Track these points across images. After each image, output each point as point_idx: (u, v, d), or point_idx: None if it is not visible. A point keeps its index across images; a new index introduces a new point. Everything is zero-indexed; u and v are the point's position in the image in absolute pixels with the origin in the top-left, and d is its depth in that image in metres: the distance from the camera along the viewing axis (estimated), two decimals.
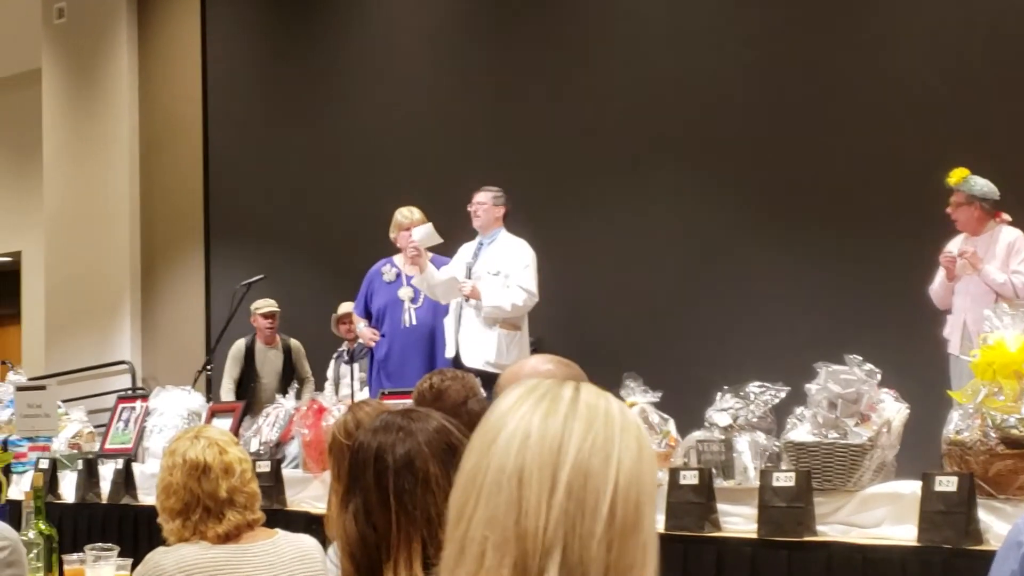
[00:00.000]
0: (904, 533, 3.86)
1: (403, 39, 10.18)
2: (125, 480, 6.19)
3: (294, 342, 9.33)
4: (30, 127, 13.05)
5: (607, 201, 8.80)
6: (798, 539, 3.96)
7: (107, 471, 6.41)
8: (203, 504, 2.90)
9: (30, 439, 6.80)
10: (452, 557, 1.17)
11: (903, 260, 7.26)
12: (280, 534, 3.02)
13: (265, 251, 10.61)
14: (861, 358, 4.12)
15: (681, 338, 8.28)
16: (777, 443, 4.31)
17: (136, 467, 6.33)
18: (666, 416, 4.73)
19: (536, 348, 7.14)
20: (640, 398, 4.65)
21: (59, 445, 6.89)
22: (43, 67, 12.51)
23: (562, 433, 1.16)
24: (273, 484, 5.43)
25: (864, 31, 7.90)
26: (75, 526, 6.14)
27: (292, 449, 5.83)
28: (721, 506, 4.26)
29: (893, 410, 4.09)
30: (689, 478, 4.21)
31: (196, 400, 6.74)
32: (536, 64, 9.32)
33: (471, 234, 6.96)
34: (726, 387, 4.55)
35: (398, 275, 7.24)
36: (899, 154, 7.63)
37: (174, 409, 6.58)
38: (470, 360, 6.50)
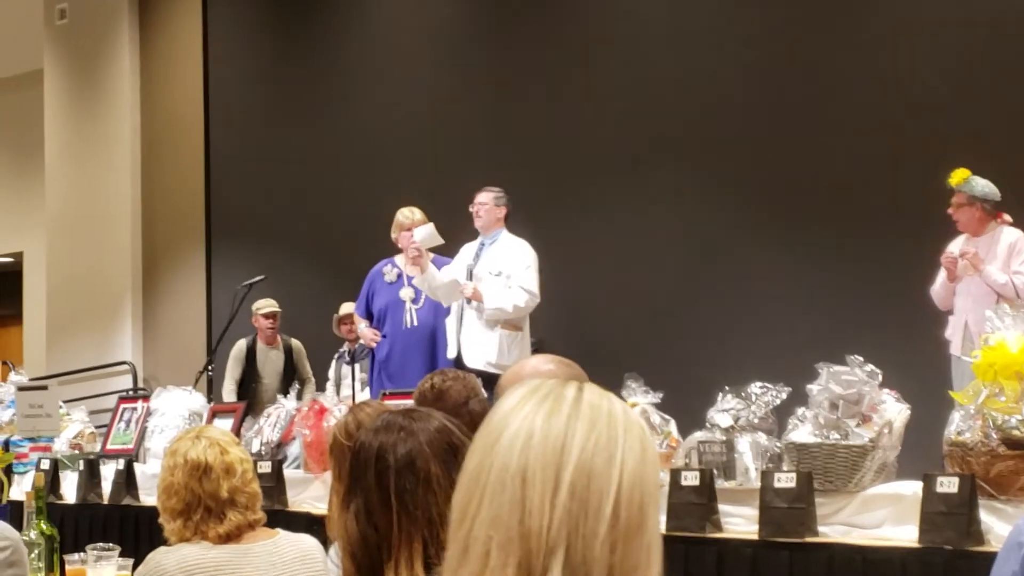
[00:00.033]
0: (905, 534, 3.86)
1: (403, 39, 10.18)
2: (126, 480, 6.18)
3: (295, 342, 9.33)
4: (31, 128, 13.06)
5: (607, 201, 8.80)
6: (799, 540, 3.96)
7: (108, 471, 6.41)
8: (204, 504, 2.91)
9: (31, 439, 6.80)
10: (456, 557, 1.17)
11: (903, 260, 7.26)
12: (281, 534, 3.02)
13: (266, 251, 10.62)
14: (862, 359, 4.12)
15: (681, 338, 8.28)
16: (778, 444, 4.31)
17: (137, 467, 6.32)
18: (667, 417, 4.73)
19: (537, 349, 7.13)
20: (641, 399, 4.65)
21: (60, 445, 6.89)
22: (45, 68, 12.52)
23: (565, 433, 1.16)
24: (274, 485, 5.43)
25: (864, 31, 7.90)
26: (76, 526, 6.14)
27: (293, 450, 5.83)
28: (722, 507, 4.25)
29: (894, 411, 4.09)
30: (690, 479, 4.21)
31: (197, 400, 6.74)
32: (536, 64, 9.33)
33: (471, 234, 6.96)
34: (727, 388, 4.54)
35: (399, 275, 7.24)
36: (899, 154, 7.63)
37: (175, 410, 6.58)
38: (472, 360, 6.50)
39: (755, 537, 4.07)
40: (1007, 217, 6.60)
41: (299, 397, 6.32)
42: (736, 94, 8.37)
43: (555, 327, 8.04)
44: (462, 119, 9.68)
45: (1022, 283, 6.35)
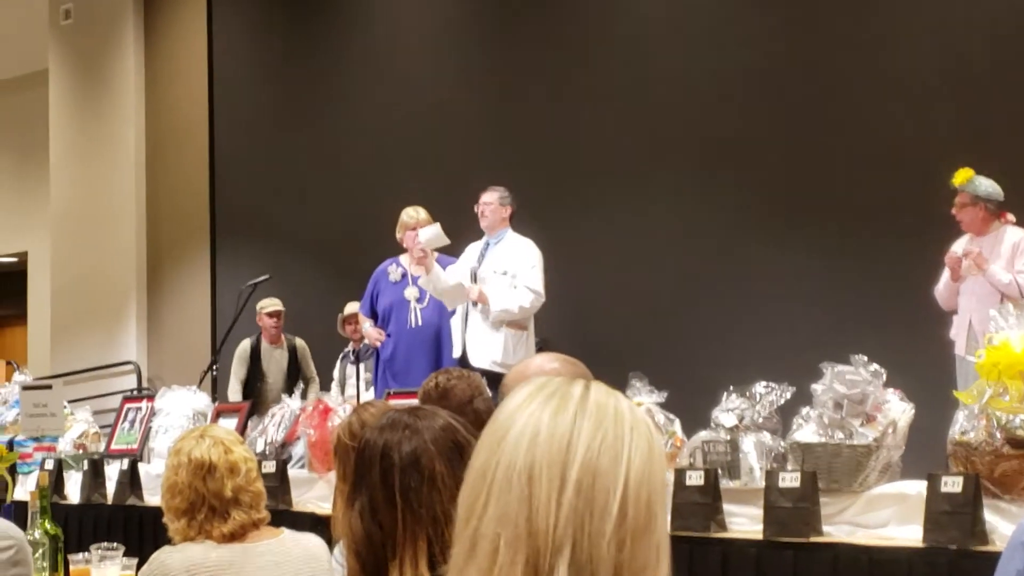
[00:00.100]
0: (910, 534, 3.86)
1: (407, 40, 10.19)
2: (130, 480, 6.19)
3: (299, 341, 9.33)
4: (36, 128, 13.08)
5: (608, 201, 8.81)
6: (804, 540, 3.95)
7: (112, 471, 6.41)
8: (208, 503, 2.91)
9: (36, 439, 6.80)
10: (462, 554, 1.17)
11: (905, 260, 7.26)
12: (285, 533, 3.02)
13: (270, 251, 10.63)
14: (867, 358, 4.12)
15: (683, 338, 8.28)
16: (783, 443, 4.31)
17: (142, 467, 6.33)
18: (672, 416, 4.73)
19: (541, 348, 7.13)
20: (646, 398, 4.65)
21: (65, 445, 6.89)
22: (50, 68, 12.53)
23: (571, 431, 1.16)
24: (278, 484, 5.42)
25: (864, 31, 7.90)
26: (80, 526, 6.14)
27: (298, 449, 5.83)
28: (727, 506, 4.25)
29: (899, 410, 4.08)
30: (695, 478, 4.21)
31: (202, 400, 6.74)
32: (537, 64, 9.33)
33: (475, 234, 6.96)
34: (732, 387, 4.54)
35: (404, 275, 7.24)
36: (899, 154, 7.63)
37: (180, 409, 6.58)
38: (477, 360, 6.51)
39: (759, 537, 4.07)
40: (1010, 217, 6.60)
41: (303, 397, 6.32)
42: (736, 94, 8.37)
43: (558, 327, 8.04)
44: (465, 119, 9.69)
45: None
